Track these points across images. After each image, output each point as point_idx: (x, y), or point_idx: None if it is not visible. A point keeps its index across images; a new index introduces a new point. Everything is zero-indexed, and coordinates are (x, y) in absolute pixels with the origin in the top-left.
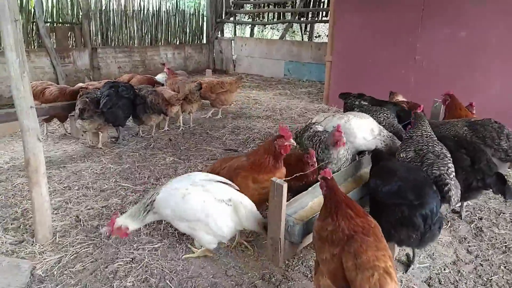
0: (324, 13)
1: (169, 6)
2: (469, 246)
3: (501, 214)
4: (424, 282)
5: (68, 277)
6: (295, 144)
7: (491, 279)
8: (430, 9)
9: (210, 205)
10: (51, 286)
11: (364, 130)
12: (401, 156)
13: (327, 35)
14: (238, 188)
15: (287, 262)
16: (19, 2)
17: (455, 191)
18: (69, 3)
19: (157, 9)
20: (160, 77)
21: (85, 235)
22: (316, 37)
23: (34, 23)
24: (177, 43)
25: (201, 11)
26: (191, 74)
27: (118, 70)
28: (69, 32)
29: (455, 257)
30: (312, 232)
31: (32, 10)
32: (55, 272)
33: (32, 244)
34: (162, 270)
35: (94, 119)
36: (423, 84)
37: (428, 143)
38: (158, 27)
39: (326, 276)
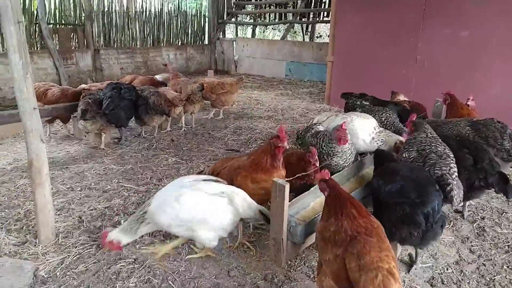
0: (325, 13)
1: (171, 7)
2: (472, 246)
3: (504, 213)
4: (427, 282)
5: (71, 278)
6: (287, 147)
7: (494, 278)
8: (431, 9)
9: (204, 200)
10: (54, 287)
11: (366, 131)
12: (404, 156)
13: (328, 35)
14: (227, 183)
15: (289, 262)
16: (22, 3)
17: (457, 191)
18: (72, 5)
19: (159, 10)
20: (159, 77)
21: (87, 236)
22: (317, 37)
23: (37, 25)
24: (179, 44)
25: (203, 12)
26: (192, 74)
27: (120, 71)
28: (72, 34)
29: (457, 257)
30: (315, 233)
31: (35, 12)
32: (58, 273)
33: (35, 245)
34: (165, 270)
35: (97, 120)
36: (424, 84)
37: (431, 143)
38: (160, 28)
39: (329, 277)
